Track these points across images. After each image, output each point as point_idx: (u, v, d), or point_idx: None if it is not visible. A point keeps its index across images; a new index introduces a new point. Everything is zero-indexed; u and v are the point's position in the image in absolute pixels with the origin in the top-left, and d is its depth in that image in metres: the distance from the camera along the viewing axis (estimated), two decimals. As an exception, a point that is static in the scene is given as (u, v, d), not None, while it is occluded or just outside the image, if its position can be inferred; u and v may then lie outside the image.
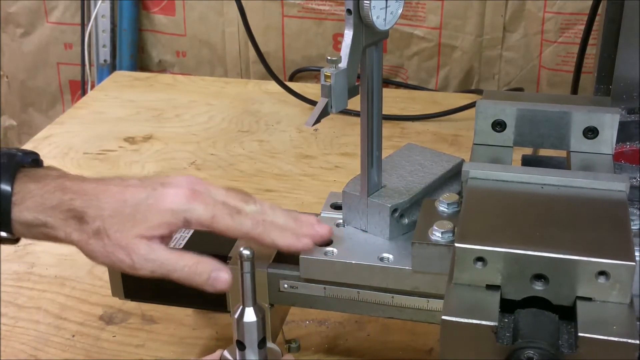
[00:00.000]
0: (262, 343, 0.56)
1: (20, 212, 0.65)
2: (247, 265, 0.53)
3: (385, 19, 0.67)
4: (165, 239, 0.66)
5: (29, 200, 0.65)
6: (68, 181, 0.67)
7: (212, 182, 0.70)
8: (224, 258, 0.76)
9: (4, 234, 0.66)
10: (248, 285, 0.54)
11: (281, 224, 0.69)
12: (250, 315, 0.55)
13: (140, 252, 0.64)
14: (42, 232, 0.66)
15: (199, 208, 0.66)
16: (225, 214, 0.67)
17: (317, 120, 0.65)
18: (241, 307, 0.55)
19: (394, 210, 0.73)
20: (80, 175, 0.70)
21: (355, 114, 1.09)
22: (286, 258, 0.75)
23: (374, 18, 0.65)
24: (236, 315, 0.55)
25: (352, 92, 0.67)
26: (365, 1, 0.64)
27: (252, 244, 0.70)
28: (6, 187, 0.64)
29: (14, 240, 0.69)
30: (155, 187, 0.67)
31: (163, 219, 0.65)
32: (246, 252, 0.53)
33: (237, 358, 0.56)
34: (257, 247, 0.72)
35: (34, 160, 0.70)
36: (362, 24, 0.66)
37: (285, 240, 0.69)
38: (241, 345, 0.55)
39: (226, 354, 0.57)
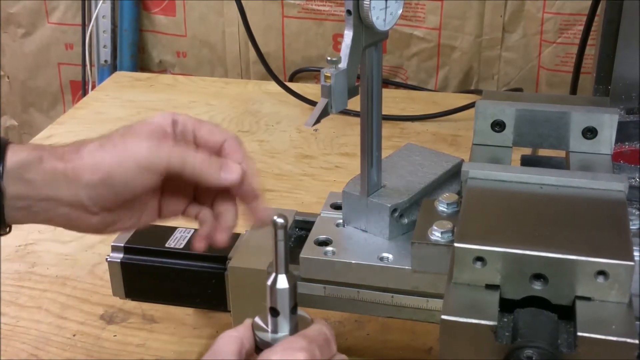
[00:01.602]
0: (294, 309, 0.57)
1: (14, 152, 0.61)
2: (280, 233, 0.54)
3: (385, 20, 0.67)
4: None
5: (23, 146, 0.63)
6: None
7: None
8: (224, 259, 0.77)
9: None
10: (281, 252, 0.55)
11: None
12: (282, 282, 0.55)
13: (150, 142, 0.62)
14: (39, 170, 0.62)
15: (184, 115, 0.67)
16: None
17: (317, 121, 0.65)
18: (274, 274, 0.56)
19: (394, 210, 0.73)
20: None
21: (355, 114, 1.10)
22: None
23: (374, 19, 0.65)
24: (269, 282, 0.56)
25: (352, 93, 0.67)
26: (365, 2, 0.64)
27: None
28: None
29: (5, 227, 0.64)
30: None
31: (153, 123, 0.64)
32: (280, 220, 0.54)
33: (270, 324, 0.57)
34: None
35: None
36: (362, 24, 0.66)
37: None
38: (274, 312, 0.56)
39: (258, 320, 0.58)
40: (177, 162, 0.62)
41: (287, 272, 0.56)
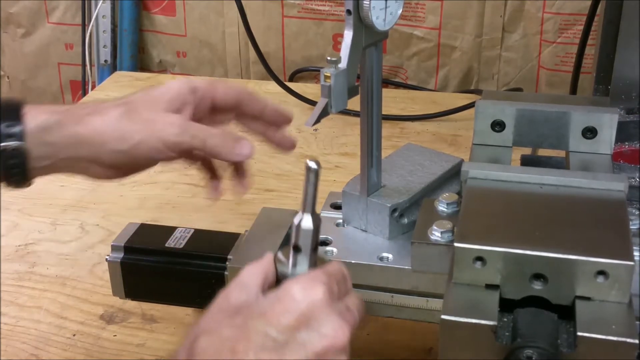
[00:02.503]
0: (315, 248, 0.59)
1: (32, 115, 0.64)
2: (312, 177, 0.57)
3: (384, 20, 0.67)
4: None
5: (41, 108, 0.65)
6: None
7: None
8: (224, 259, 0.77)
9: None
10: (310, 195, 0.58)
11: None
12: (308, 222, 0.58)
13: (177, 121, 0.67)
14: (61, 134, 0.65)
15: (199, 79, 0.72)
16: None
17: (317, 120, 0.65)
18: (301, 213, 0.58)
19: (394, 210, 0.73)
20: None
21: (355, 114, 1.10)
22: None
23: (374, 18, 0.65)
24: (296, 221, 0.58)
25: (351, 92, 0.67)
26: (365, 1, 0.64)
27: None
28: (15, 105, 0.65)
29: (25, 180, 0.66)
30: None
31: (174, 88, 0.69)
32: (312, 164, 0.57)
33: (291, 259, 0.59)
34: None
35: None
36: (362, 24, 0.66)
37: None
38: (297, 249, 0.59)
39: (280, 255, 0.60)
40: (199, 143, 0.67)
41: (314, 213, 0.58)
